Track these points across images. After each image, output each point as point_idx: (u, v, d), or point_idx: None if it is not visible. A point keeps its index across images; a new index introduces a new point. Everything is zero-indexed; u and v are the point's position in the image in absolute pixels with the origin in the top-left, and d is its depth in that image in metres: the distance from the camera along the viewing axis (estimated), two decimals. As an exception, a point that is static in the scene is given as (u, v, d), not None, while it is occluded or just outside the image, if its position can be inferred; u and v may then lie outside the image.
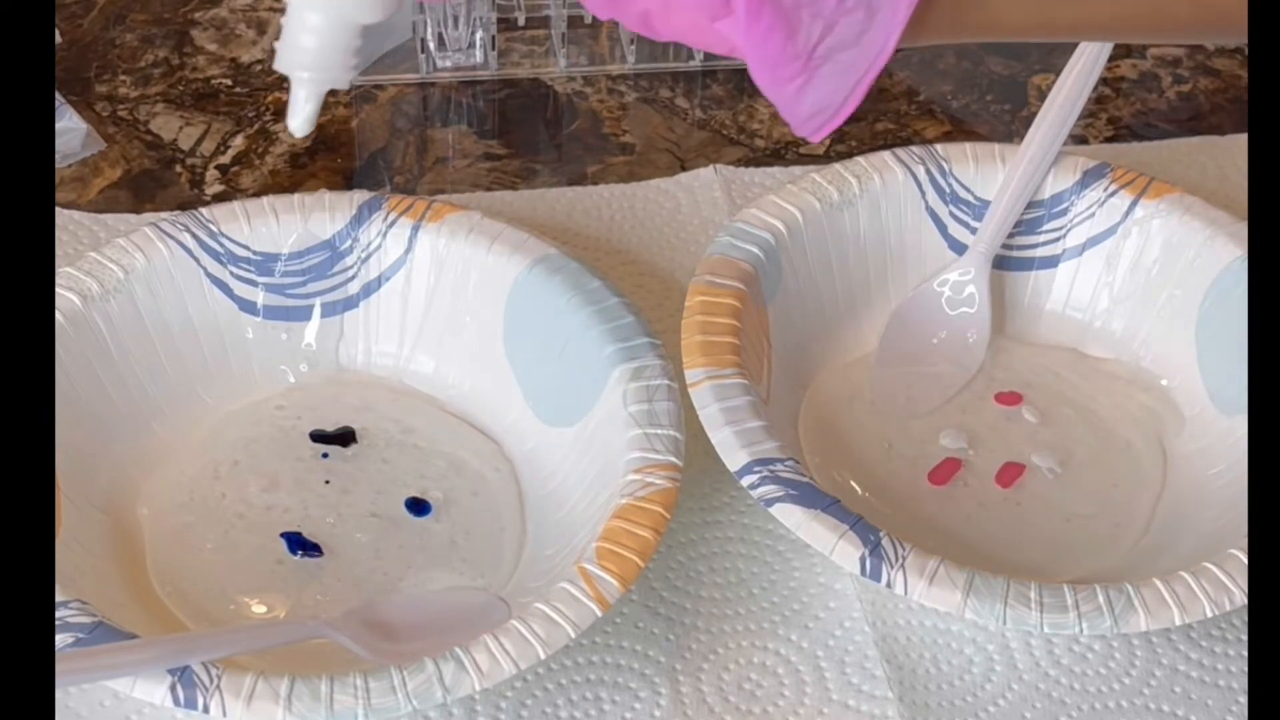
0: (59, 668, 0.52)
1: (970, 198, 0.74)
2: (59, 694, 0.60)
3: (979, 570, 0.60)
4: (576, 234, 0.78)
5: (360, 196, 0.71)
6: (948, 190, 0.74)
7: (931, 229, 0.75)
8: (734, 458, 0.63)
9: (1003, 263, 0.75)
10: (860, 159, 0.74)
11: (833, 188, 0.73)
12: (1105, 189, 0.74)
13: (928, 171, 0.74)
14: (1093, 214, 0.74)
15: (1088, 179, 0.74)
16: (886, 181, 0.74)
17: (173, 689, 0.54)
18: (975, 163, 0.74)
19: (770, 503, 0.61)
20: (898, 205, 0.74)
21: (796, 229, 0.72)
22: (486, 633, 0.57)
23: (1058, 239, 0.75)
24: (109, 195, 0.80)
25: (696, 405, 0.65)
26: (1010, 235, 0.75)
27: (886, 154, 0.74)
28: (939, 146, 0.75)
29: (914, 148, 0.75)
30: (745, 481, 0.62)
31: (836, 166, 0.74)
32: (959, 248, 0.75)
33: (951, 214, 0.75)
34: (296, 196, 0.71)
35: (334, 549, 0.65)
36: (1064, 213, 0.75)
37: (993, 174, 0.74)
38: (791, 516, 0.61)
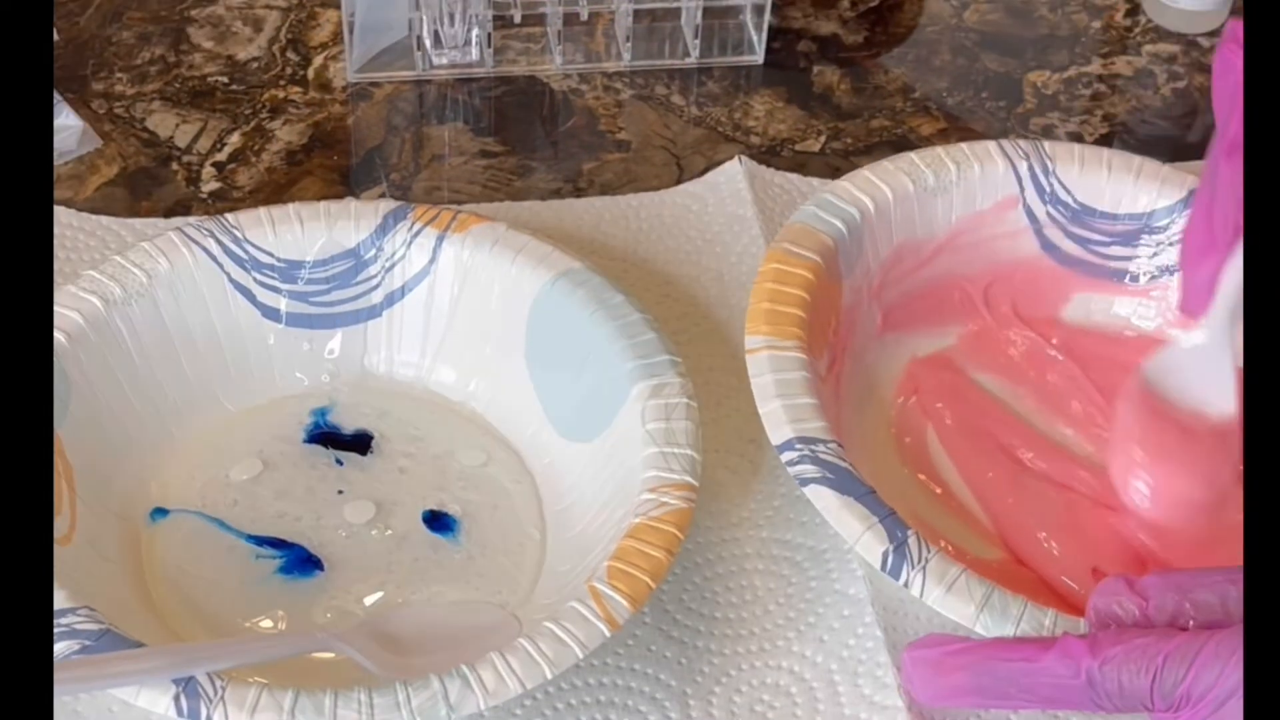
0: (63, 675, 0.52)
1: (1070, 200, 0.73)
2: (69, 701, 0.60)
3: (1001, 587, 0.59)
4: (604, 244, 0.78)
5: (386, 205, 0.71)
6: (1048, 190, 0.73)
7: (1026, 227, 0.73)
8: (778, 432, 0.62)
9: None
10: (964, 146, 0.73)
11: (929, 171, 0.72)
12: None
13: (1030, 169, 0.72)
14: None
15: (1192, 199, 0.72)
16: (986, 171, 0.72)
17: (176, 699, 0.54)
18: (1080, 165, 0.73)
19: (805, 482, 0.61)
20: (994, 198, 0.72)
21: (885, 208, 0.71)
22: (495, 649, 0.57)
23: (1155, 254, 0.73)
24: (105, 193, 0.80)
25: (751, 373, 0.64)
26: (1107, 245, 0.73)
27: (991, 144, 0.73)
28: (1046, 144, 0.73)
29: (1021, 142, 0.73)
30: (785, 458, 0.62)
31: (938, 150, 0.72)
32: (1050, 248, 0.73)
33: (1049, 214, 0.73)
34: (322, 204, 0.71)
35: (345, 560, 0.64)
36: (1164, 229, 0.73)
37: (1098, 179, 0.73)
38: (823, 499, 0.60)
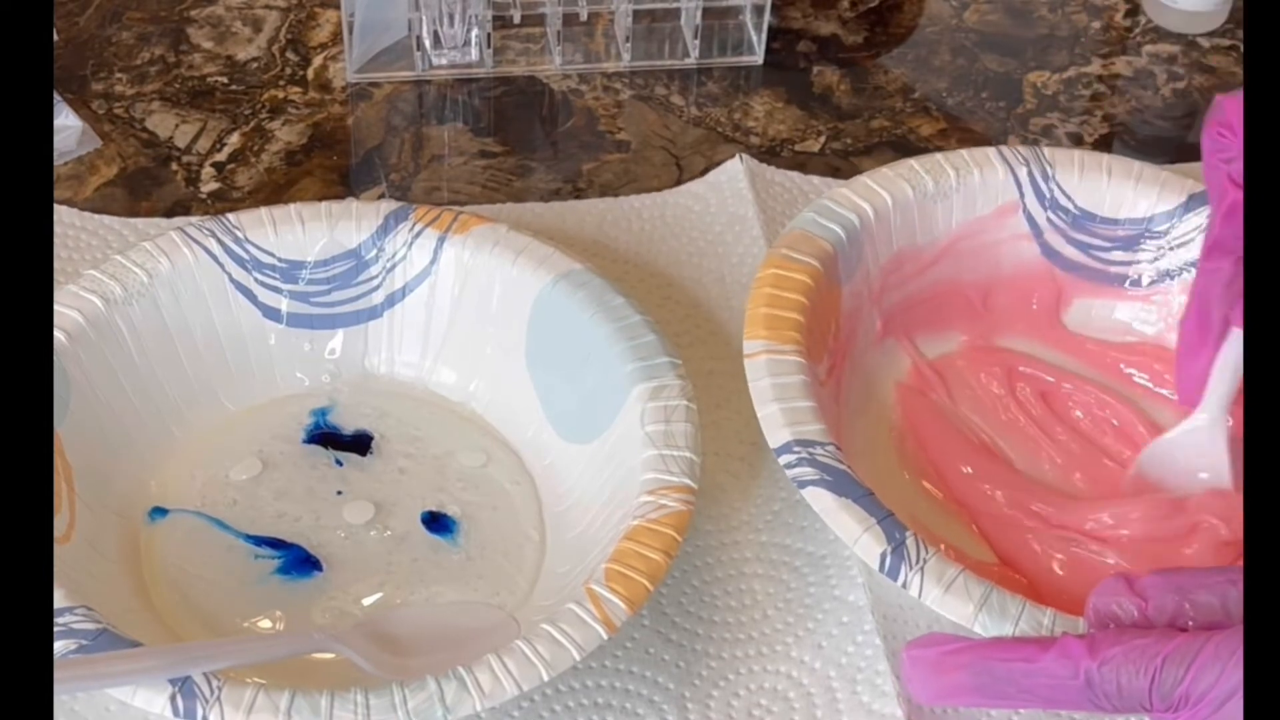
0: (61, 674, 0.53)
1: (1070, 206, 0.73)
2: (66, 700, 0.60)
3: (1000, 588, 0.59)
4: (605, 245, 0.78)
5: (387, 206, 0.71)
6: (1048, 195, 0.73)
7: (1027, 233, 0.73)
8: (776, 435, 0.62)
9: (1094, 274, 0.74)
10: (964, 152, 0.73)
11: (929, 177, 0.72)
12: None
13: (1030, 174, 0.72)
14: (1190, 239, 0.72)
15: (1192, 203, 0.72)
16: (986, 178, 0.72)
17: (173, 699, 0.54)
18: (1080, 170, 0.73)
19: (803, 484, 0.61)
20: (994, 204, 0.72)
21: (885, 214, 0.71)
22: (493, 651, 0.57)
23: (1156, 259, 0.73)
24: (105, 193, 0.80)
25: (749, 377, 0.64)
26: (1108, 251, 0.73)
27: (990, 150, 0.73)
28: (1045, 150, 0.73)
29: (1020, 147, 0.73)
30: (783, 460, 0.62)
31: (937, 157, 0.73)
32: (1051, 253, 0.73)
33: (1049, 220, 0.73)
34: (324, 205, 0.71)
35: (344, 561, 0.64)
36: (1164, 234, 0.73)
37: (1098, 185, 0.73)
38: (821, 501, 0.61)
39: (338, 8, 0.89)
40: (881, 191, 0.71)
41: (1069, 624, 0.58)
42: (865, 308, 0.71)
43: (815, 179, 0.81)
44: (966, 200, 0.72)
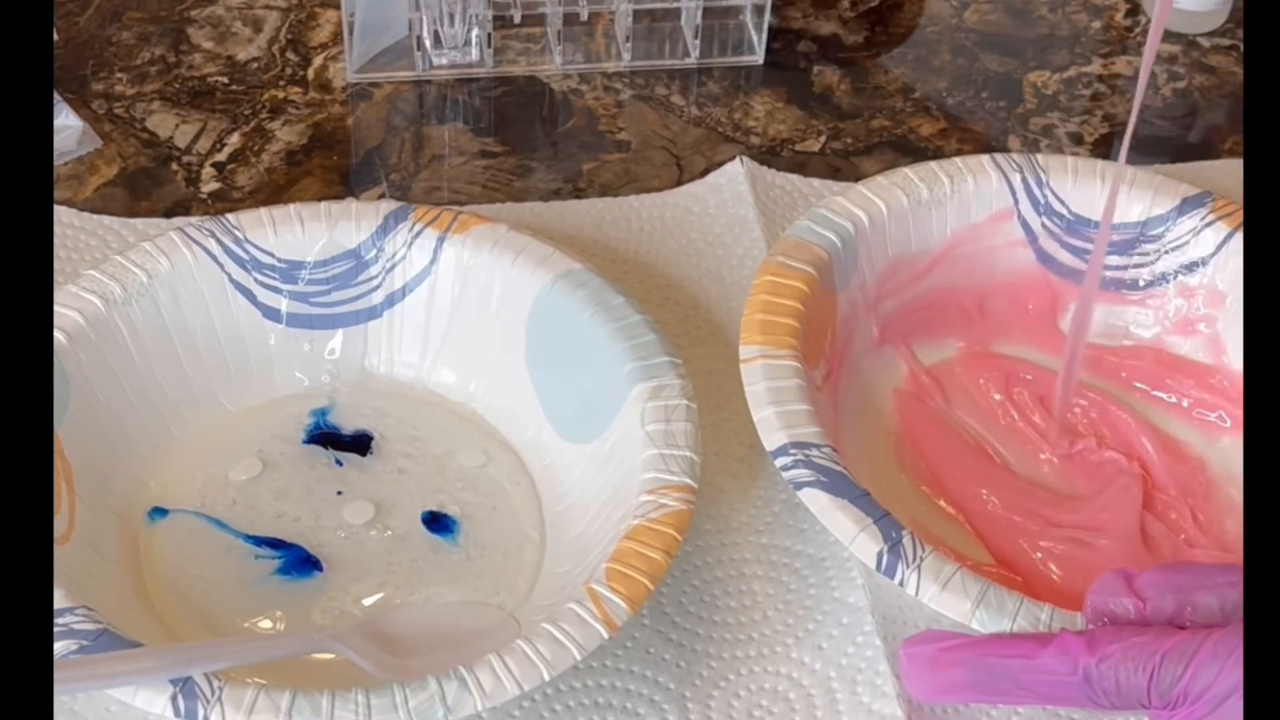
0: (61, 675, 0.53)
1: (1065, 211, 0.73)
2: (66, 700, 0.60)
3: (997, 584, 0.59)
4: (605, 245, 0.78)
5: (387, 206, 0.71)
6: (1042, 201, 0.73)
7: (1022, 239, 0.73)
8: (772, 438, 0.63)
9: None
10: (958, 160, 0.73)
11: (923, 185, 0.72)
12: (1202, 218, 0.72)
13: (1024, 180, 0.73)
14: (1185, 242, 0.72)
15: (1186, 206, 0.72)
16: (980, 185, 0.72)
17: (174, 699, 0.54)
18: (1074, 176, 0.73)
19: (799, 486, 0.61)
20: (989, 211, 0.73)
21: (880, 222, 0.71)
22: (493, 651, 0.57)
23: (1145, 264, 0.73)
24: (105, 193, 0.80)
25: (745, 382, 0.64)
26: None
27: (984, 157, 0.73)
28: (1039, 157, 0.73)
29: (1014, 155, 0.73)
30: (779, 463, 0.62)
31: (932, 165, 0.73)
32: (1047, 259, 0.73)
33: (1044, 226, 0.73)
34: (323, 205, 0.71)
35: (344, 561, 0.64)
36: (1159, 238, 0.73)
37: (1091, 190, 0.73)
38: (817, 502, 0.61)
39: (338, 8, 0.89)
40: (876, 199, 0.71)
41: (1067, 620, 0.58)
42: (861, 315, 0.71)
43: (815, 182, 0.81)
44: (961, 207, 0.72)
